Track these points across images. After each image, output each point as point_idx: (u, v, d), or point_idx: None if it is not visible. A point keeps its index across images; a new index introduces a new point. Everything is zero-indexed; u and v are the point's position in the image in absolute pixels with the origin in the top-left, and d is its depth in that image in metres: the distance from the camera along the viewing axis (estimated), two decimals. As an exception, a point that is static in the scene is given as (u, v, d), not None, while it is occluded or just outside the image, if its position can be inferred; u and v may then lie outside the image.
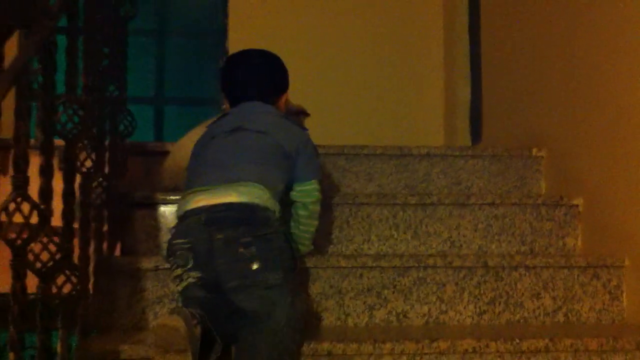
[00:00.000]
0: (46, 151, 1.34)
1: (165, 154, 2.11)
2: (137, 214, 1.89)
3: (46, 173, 1.33)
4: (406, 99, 3.25)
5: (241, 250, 1.39)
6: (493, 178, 2.26)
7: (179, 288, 1.43)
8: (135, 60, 2.93)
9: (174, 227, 1.50)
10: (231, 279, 1.39)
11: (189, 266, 1.41)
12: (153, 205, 1.90)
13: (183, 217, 1.48)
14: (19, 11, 1.23)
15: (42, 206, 1.27)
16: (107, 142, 1.81)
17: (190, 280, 1.40)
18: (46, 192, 1.31)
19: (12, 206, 1.21)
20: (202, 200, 1.45)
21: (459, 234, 1.99)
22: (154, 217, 1.89)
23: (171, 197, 1.90)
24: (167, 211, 1.90)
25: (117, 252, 1.83)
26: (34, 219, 1.25)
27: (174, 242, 1.45)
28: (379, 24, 3.26)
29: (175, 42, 3.14)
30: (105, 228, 1.74)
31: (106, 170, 1.76)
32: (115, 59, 1.93)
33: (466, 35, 3.10)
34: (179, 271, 1.43)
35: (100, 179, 1.71)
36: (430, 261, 1.76)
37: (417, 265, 1.76)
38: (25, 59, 1.26)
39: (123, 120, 1.98)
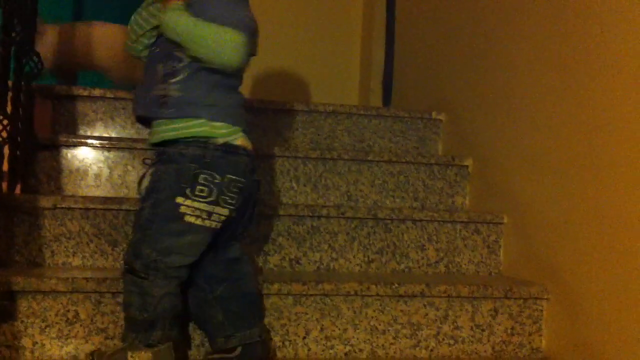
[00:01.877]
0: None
1: (73, 98, 2.13)
2: (39, 155, 1.90)
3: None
4: (324, 58, 3.31)
5: None
6: (394, 138, 2.37)
7: (200, 223, 1.40)
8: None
9: (221, 154, 1.42)
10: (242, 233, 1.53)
11: (232, 207, 1.43)
12: (56, 148, 1.91)
13: (233, 151, 1.44)
14: None
15: None
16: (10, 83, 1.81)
17: (215, 223, 1.42)
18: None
19: None
20: (248, 144, 1.48)
21: (356, 189, 2.10)
22: (56, 159, 1.91)
23: (73, 140, 1.92)
24: (69, 154, 1.92)
25: (18, 191, 1.85)
26: None
27: (232, 177, 1.42)
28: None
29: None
30: (5, 167, 1.75)
31: (8, 109, 1.76)
32: (22, -1, 1.91)
33: (383, 4, 3.19)
34: (207, 207, 1.40)
35: (1, 117, 1.71)
36: (324, 211, 1.86)
37: (311, 214, 1.85)
38: None
39: (29, 62, 1.97)
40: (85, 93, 2.14)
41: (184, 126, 1.41)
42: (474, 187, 2.15)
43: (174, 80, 1.42)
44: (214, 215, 1.41)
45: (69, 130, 2.11)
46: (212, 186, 1.39)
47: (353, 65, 3.37)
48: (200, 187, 1.39)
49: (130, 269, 1.39)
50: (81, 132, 2.13)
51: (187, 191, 1.38)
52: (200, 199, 1.39)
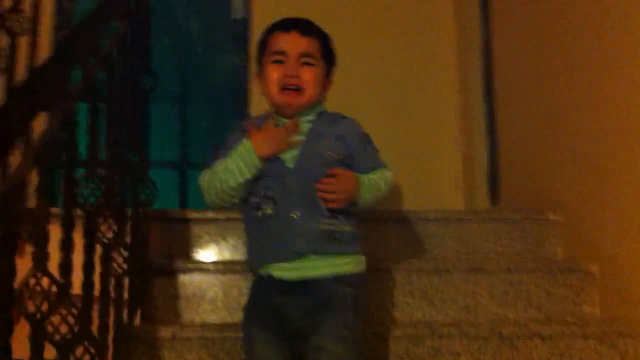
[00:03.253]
0: (67, 225, 1.40)
1: (186, 221, 2.17)
2: (156, 282, 1.93)
3: (66, 246, 1.39)
4: (419, 156, 3.16)
5: None
6: (504, 241, 2.27)
7: None
8: (159, 126, 3.05)
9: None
10: None
11: None
12: (172, 273, 1.94)
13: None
14: (41, 95, 1.31)
15: (61, 280, 1.32)
16: (129, 212, 1.87)
17: None
18: (66, 266, 1.36)
19: (32, 281, 1.27)
20: None
21: (474, 301, 2.00)
22: (173, 285, 1.94)
23: (188, 266, 1.94)
24: (185, 279, 1.94)
25: (137, 320, 1.87)
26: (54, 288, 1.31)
27: None
28: (397, 87, 3.24)
29: (198, 108, 3.24)
30: (126, 296, 1.78)
31: (127, 239, 1.81)
32: (137, 131, 2.01)
33: (480, 94, 3.12)
34: None
35: (121, 249, 1.76)
36: (445, 330, 1.77)
37: (431, 334, 1.77)
38: (47, 139, 1.33)
39: (145, 190, 2.05)
40: (198, 216, 2.19)
41: (350, 261, 1.50)
42: (603, 294, 2.00)
43: (342, 215, 1.49)
44: None
45: (183, 253, 2.15)
46: None
47: (454, 165, 3.26)
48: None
49: None
50: (195, 254, 2.16)
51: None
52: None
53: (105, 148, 1.66)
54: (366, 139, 1.56)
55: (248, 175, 1.49)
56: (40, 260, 1.28)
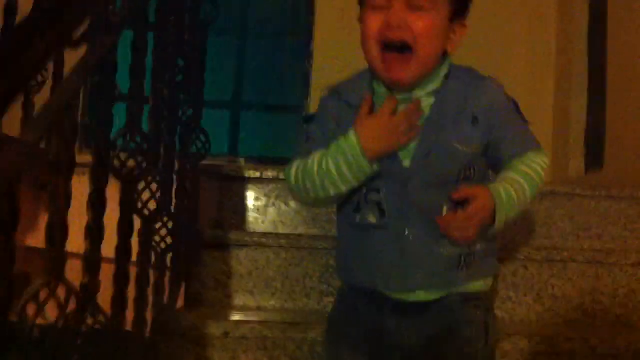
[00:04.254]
0: (98, 183, 1.02)
1: (242, 180, 1.81)
2: (206, 256, 1.59)
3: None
4: None
5: None
6: (632, 225, 1.86)
7: None
8: (211, 61, 2.67)
9: None
10: None
11: None
12: (224, 247, 1.59)
13: None
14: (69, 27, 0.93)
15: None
16: (175, 170, 1.52)
17: None
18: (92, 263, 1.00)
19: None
20: None
21: (593, 300, 1.61)
22: (225, 262, 1.59)
23: (245, 239, 1.59)
24: (240, 254, 1.59)
25: (181, 301, 1.54)
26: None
27: None
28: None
29: (256, 43, 2.84)
30: (168, 277, 1.44)
31: (172, 206, 1.46)
32: (192, 72, 1.64)
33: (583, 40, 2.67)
34: None
35: (165, 219, 1.41)
36: (567, 346, 1.39)
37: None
38: (74, 85, 0.96)
39: (196, 141, 1.69)
40: (257, 174, 1.82)
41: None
42: None
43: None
44: None
45: (237, 218, 1.79)
46: None
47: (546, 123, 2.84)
48: None
49: None
50: (251, 220, 1.81)
51: None
52: None
53: (151, 96, 1.29)
54: (514, 112, 1.13)
55: (354, 183, 1.09)
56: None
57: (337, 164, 1.07)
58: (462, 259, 1.08)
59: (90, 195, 1.01)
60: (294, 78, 2.75)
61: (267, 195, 1.82)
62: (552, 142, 2.84)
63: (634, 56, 2.30)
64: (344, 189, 1.09)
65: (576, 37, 2.71)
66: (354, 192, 1.10)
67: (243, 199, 1.81)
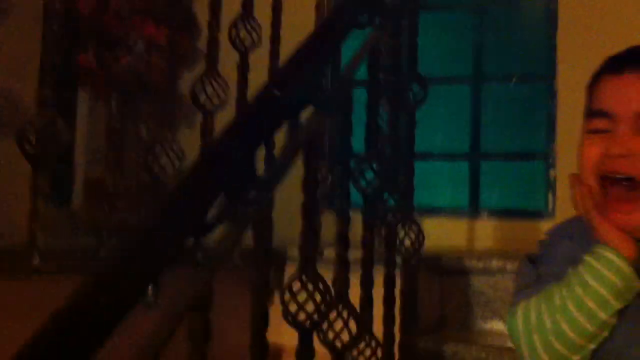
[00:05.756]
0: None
1: (465, 272, 1.69)
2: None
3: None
4: None
5: None
6: None
7: None
8: (444, 109, 2.55)
9: None
10: None
11: None
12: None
13: None
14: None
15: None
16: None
17: None
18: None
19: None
20: None
21: None
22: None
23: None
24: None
25: None
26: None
27: None
28: None
29: (493, 88, 2.64)
30: None
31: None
32: (402, 161, 1.57)
33: None
34: None
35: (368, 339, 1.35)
36: None
37: None
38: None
39: (409, 233, 1.59)
40: (480, 265, 1.68)
41: None
42: None
43: None
44: None
45: (461, 318, 1.67)
46: None
47: None
48: None
49: None
50: (479, 319, 1.66)
51: None
52: None
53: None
54: None
55: (617, 306, 0.87)
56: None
57: (584, 287, 0.86)
58: None
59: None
60: (537, 123, 2.52)
61: (492, 287, 1.67)
62: None
63: None
64: (604, 316, 0.87)
65: None
66: None
67: (467, 293, 1.68)
